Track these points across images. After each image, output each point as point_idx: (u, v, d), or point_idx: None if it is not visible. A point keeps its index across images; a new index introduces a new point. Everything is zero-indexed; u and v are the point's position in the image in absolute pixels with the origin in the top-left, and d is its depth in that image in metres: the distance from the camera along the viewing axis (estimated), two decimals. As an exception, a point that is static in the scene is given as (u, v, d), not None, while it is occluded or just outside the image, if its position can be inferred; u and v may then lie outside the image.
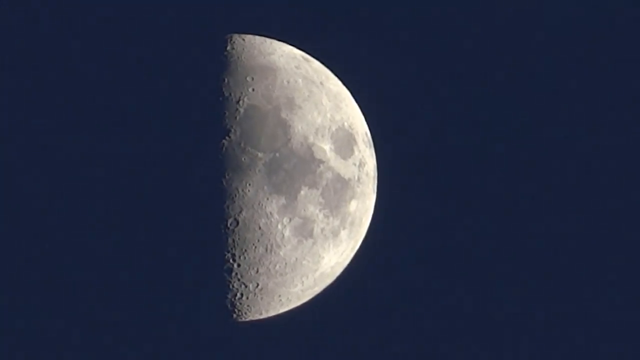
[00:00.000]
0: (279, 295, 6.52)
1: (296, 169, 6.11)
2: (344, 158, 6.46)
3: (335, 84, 6.85)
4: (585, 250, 8.59)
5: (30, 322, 7.85)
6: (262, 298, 6.45)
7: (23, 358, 7.87)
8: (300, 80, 6.46)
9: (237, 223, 6.03)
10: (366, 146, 6.85)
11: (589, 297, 8.51)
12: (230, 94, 6.12)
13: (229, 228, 6.02)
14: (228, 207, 5.99)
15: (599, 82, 8.64)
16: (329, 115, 6.45)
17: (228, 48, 6.48)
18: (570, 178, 8.66)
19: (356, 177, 6.56)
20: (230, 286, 6.28)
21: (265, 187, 6.01)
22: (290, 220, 6.12)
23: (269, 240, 6.12)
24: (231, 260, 6.14)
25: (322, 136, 6.32)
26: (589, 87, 8.65)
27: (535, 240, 8.62)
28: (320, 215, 6.26)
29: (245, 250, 6.12)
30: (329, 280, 6.88)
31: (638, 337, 8.37)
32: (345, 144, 6.50)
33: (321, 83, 6.64)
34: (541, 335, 8.48)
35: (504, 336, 8.50)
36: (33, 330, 7.86)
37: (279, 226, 6.11)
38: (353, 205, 6.55)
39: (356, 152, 6.61)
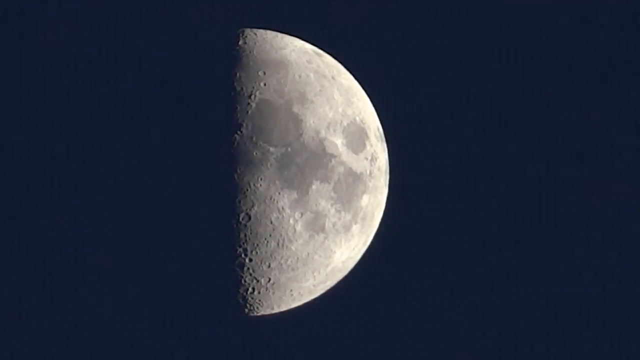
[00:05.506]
0: (291, 290, 6.52)
1: (308, 163, 6.10)
2: (356, 152, 6.44)
3: (346, 79, 6.83)
4: (591, 251, 8.55)
5: (35, 319, 7.88)
6: (273, 293, 6.45)
7: (26, 356, 7.91)
8: (312, 75, 6.44)
9: (249, 218, 6.03)
10: (378, 140, 6.83)
11: (591, 298, 8.48)
12: (242, 89, 6.11)
13: (240, 223, 6.02)
14: (240, 202, 5.98)
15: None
16: (340, 110, 6.43)
17: (240, 42, 6.47)
18: (580, 177, 8.62)
19: (368, 172, 6.54)
20: (242, 281, 6.29)
21: (277, 182, 6.01)
22: (302, 214, 6.12)
23: (281, 235, 6.12)
24: (243, 255, 6.14)
25: (334, 131, 6.30)
26: (611, 89, 8.61)
27: (544, 236, 8.59)
28: (332, 210, 6.25)
29: (257, 245, 6.12)
30: (340, 275, 6.87)
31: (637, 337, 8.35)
32: (357, 138, 6.48)
33: (333, 77, 6.62)
34: (544, 335, 8.45)
35: (510, 333, 8.48)
36: (36, 328, 7.90)
37: (291, 221, 6.10)
38: (365, 200, 6.53)
39: (368, 147, 6.59)
